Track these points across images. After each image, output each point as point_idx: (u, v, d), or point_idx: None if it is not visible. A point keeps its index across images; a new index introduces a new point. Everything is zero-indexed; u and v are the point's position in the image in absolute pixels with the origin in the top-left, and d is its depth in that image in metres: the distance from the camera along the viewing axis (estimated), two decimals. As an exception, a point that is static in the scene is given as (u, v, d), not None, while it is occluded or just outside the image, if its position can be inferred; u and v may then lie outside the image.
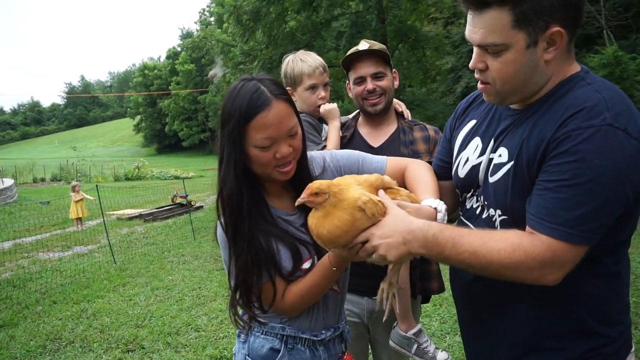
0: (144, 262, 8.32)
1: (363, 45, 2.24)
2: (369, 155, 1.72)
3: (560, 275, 1.22)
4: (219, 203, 1.48)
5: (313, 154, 1.69)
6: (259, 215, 1.50)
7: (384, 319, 1.59)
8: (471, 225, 1.50)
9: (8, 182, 22.39)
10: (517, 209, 1.31)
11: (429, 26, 18.00)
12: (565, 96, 1.26)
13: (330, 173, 1.65)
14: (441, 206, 1.41)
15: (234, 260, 1.45)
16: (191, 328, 5.05)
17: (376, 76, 2.23)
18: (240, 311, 1.57)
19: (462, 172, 1.54)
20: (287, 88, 2.35)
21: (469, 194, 1.56)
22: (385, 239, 1.25)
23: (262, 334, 1.58)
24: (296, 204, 1.33)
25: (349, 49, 2.34)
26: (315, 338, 1.59)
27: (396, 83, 2.33)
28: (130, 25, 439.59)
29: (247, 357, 1.59)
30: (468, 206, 1.56)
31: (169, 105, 65.03)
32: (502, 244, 1.22)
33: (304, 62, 2.30)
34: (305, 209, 1.35)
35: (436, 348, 2.15)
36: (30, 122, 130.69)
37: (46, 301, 6.33)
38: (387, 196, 1.35)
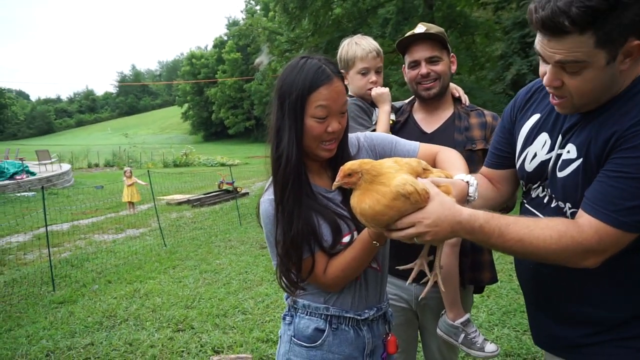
0: (192, 246, 8.57)
1: (420, 28, 2.20)
2: (403, 139, 1.78)
3: (600, 260, 1.28)
4: (278, 173, 1.51)
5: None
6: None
7: (421, 297, 1.62)
8: (538, 214, 1.52)
9: (65, 167, 23.50)
10: None
11: (479, 12, 17.44)
12: (636, 97, 1.28)
13: (364, 152, 1.71)
14: (472, 180, 1.48)
15: (284, 231, 1.50)
16: (238, 311, 5.18)
17: (431, 60, 2.19)
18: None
19: (530, 167, 1.56)
20: (341, 71, 2.36)
21: (535, 185, 1.57)
22: (433, 228, 1.27)
23: (306, 314, 1.62)
24: (333, 187, 1.38)
25: (395, 37, 2.32)
26: (359, 317, 1.62)
27: (453, 68, 2.28)
28: (178, 15, 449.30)
29: (292, 338, 1.63)
30: (533, 195, 1.58)
31: (216, 94, 66.10)
32: (548, 231, 1.28)
33: (358, 45, 2.31)
34: (343, 187, 1.39)
35: (485, 339, 2.11)
36: (85, 109, 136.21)
37: (102, 280, 6.64)
38: (430, 182, 1.35)
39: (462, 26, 14.80)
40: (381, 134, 1.82)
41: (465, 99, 2.36)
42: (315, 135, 1.51)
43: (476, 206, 1.58)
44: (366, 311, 1.64)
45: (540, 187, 1.55)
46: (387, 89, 2.34)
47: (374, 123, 2.34)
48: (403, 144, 1.74)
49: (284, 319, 1.70)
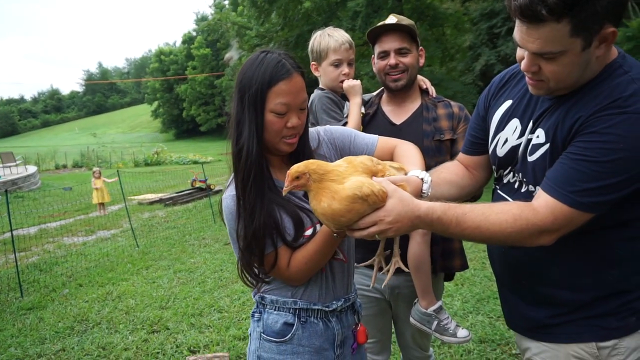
0: (165, 246, 8.45)
1: (391, 19, 2.21)
2: (362, 133, 1.79)
3: (554, 238, 1.34)
4: (239, 166, 1.51)
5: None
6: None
7: (371, 286, 1.68)
8: (510, 199, 1.57)
9: (31, 169, 22.84)
10: None
11: (447, 3, 17.63)
12: (603, 83, 1.33)
13: (325, 146, 1.72)
14: (427, 177, 1.51)
15: (246, 225, 1.49)
16: (214, 309, 5.13)
17: (400, 52, 2.20)
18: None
19: (502, 152, 1.60)
20: (312, 63, 2.37)
21: (506, 171, 1.62)
22: (394, 224, 1.32)
23: (274, 310, 1.62)
24: (283, 194, 1.38)
25: (365, 29, 2.32)
26: (327, 309, 1.63)
27: (422, 61, 2.30)
28: (145, 11, 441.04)
29: (262, 334, 1.63)
30: (505, 181, 1.63)
31: (186, 90, 65.09)
32: (503, 216, 1.34)
33: (331, 37, 2.31)
34: None
35: (457, 325, 2.15)
36: (51, 109, 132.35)
37: (72, 284, 6.48)
38: (386, 181, 1.37)
39: (431, 18, 14.94)
40: (340, 127, 1.84)
41: (432, 90, 2.38)
42: (276, 130, 1.51)
43: (452, 194, 1.64)
44: (334, 302, 1.65)
45: (511, 173, 1.59)
46: (358, 82, 2.35)
47: (345, 116, 2.34)
48: (362, 138, 1.75)
49: (252, 316, 1.70)
